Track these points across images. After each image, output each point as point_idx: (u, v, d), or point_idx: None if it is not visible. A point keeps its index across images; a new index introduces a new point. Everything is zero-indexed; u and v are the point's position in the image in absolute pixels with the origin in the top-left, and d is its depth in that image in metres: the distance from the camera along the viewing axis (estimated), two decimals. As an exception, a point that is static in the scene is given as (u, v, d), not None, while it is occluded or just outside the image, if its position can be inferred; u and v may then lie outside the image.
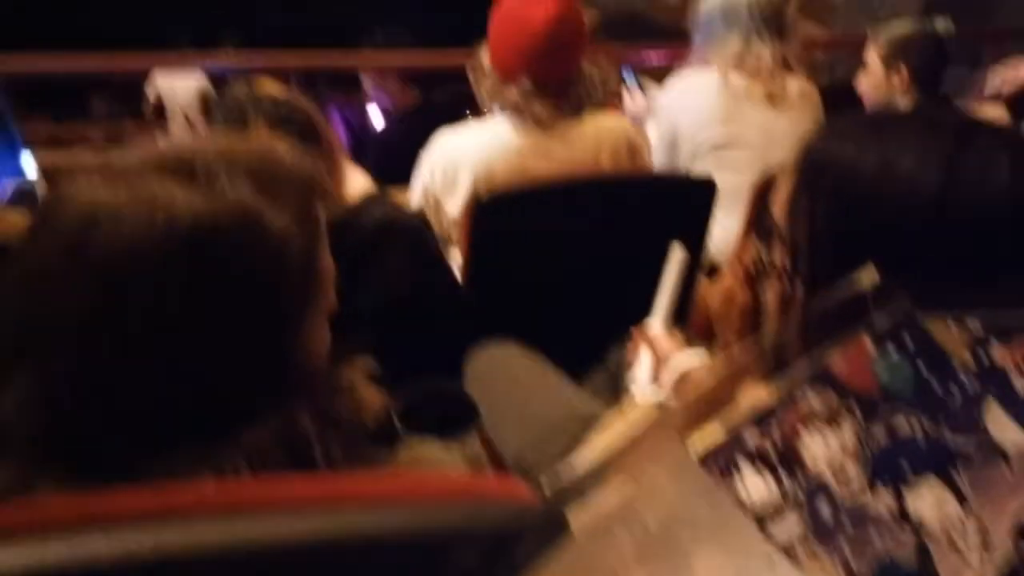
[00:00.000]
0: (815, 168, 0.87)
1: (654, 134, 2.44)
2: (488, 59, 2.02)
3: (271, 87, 1.84)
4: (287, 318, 0.83)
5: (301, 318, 0.85)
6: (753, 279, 0.94)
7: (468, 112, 4.34)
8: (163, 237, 0.75)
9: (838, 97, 3.01)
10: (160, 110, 5.61)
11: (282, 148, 0.91)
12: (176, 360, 0.76)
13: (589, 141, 2.07)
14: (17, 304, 0.77)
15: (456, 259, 2.02)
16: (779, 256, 0.90)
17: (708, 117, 2.34)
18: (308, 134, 1.73)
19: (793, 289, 0.88)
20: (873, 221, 0.82)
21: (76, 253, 0.75)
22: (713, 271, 2.22)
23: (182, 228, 0.75)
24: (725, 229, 2.15)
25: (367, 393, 0.94)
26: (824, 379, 0.69)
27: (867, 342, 0.70)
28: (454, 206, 2.02)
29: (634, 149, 2.17)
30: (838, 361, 0.69)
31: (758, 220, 1.35)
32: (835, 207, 0.84)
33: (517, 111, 1.99)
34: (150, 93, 5.68)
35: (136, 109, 5.88)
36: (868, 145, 0.84)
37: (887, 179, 0.82)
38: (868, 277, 0.75)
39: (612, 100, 2.74)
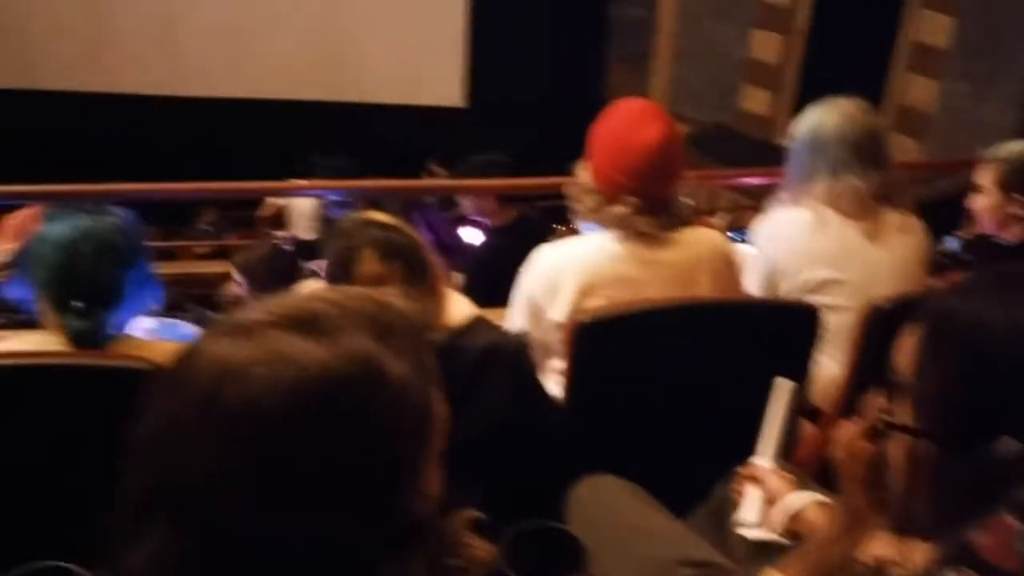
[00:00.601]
0: (942, 324, 0.85)
1: (751, 271, 2.38)
2: (592, 177, 2.06)
3: (378, 214, 1.89)
4: (406, 465, 0.84)
5: (418, 464, 0.86)
6: (878, 431, 0.92)
7: (559, 226, 4.44)
8: (291, 391, 0.76)
9: (940, 213, 2.94)
10: (276, 220, 5.83)
11: (393, 294, 0.93)
12: (300, 512, 0.77)
13: (689, 254, 2.08)
14: (151, 456, 0.79)
15: (557, 368, 2.03)
16: (905, 411, 0.88)
17: (805, 258, 2.28)
18: (415, 263, 1.78)
19: (921, 447, 0.85)
20: (1004, 382, 0.79)
21: (207, 408, 0.77)
22: (815, 413, 2.16)
23: (308, 382, 0.77)
24: (826, 369, 2.11)
25: (476, 544, 0.94)
26: (966, 558, 0.66)
27: (1010, 519, 0.67)
28: (556, 313, 2.04)
29: (732, 264, 2.17)
30: (980, 538, 0.67)
31: (875, 366, 1.33)
32: (964, 366, 0.82)
33: (622, 227, 2.02)
34: (268, 204, 5.92)
35: (243, 219, 6.13)
36: (996, 302, 0.82)
37: (1017, 338, 0.80)
38: (1006, 447, 0.72)
39: (700, 218, 2.77)
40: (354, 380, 0.80)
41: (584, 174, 2.10)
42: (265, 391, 0.76)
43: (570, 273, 2.03)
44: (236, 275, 3.68)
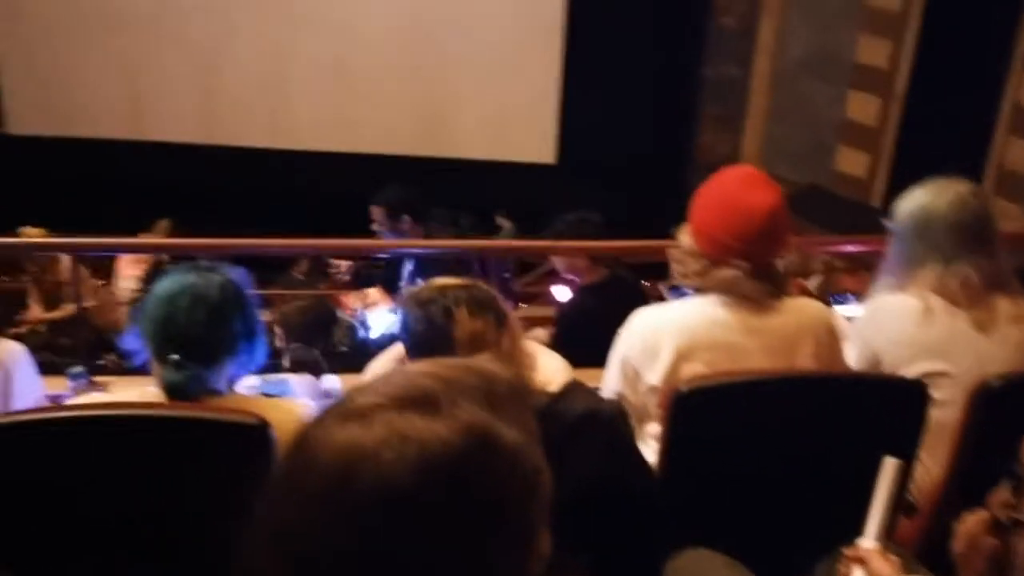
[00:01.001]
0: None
1: (852, 356, 2.31)
2: (697, 241, 2.06)
3: (446, 279, 1.90)
4: (527, 528, 0.85)
5: (534, 530, 0.86)
6: (1002, 526, 0.89)
7: (647, 284, 4.44)
8: (418, 470, 0.77)
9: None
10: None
11: (489, 359, 0.95)
12: None
13: (791, 323, 2.06)
14: (278, 540, 0.80)
15: (653, 433, 2.01)
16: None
17: (910, 349, 2.16)
18: (500, 315, 1.80)
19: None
20: None
21: (338, 494, 0.78)
22: (911, 509, 2.08)
23: (433, 459, 0.78)
24: (926, 466, 2.04)
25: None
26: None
27: None
28: (653, 377, 2.03)
29: (834, 336, 2.13)
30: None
31: (985, 452, 1.28)
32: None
33: (728, 291, 2.02)
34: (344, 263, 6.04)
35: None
36: None
37: None
38: None
39: (794, 280, 2.73)
40: (474, 452, 0.81)
41: (687, 238, 2.10)
42: (395, 473, 0.77)
43: (669, 337, 2.02)
44: (276, 328, 3.75)
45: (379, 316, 4.45)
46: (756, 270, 2.01)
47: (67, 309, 5.26)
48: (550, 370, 1.98)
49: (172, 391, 1.86)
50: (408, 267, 4.51)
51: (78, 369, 2.53)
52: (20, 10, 7.68)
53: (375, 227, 4.55)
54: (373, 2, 7.74)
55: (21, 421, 1.79)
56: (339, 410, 0.84)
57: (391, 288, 4.55)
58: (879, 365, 2.19)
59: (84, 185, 7.30)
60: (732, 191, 2.05)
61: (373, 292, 4.63)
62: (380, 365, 2.10)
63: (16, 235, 5.18)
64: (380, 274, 4.92)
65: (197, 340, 1.86)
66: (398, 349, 2.03)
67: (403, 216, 4.47)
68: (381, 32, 7.78)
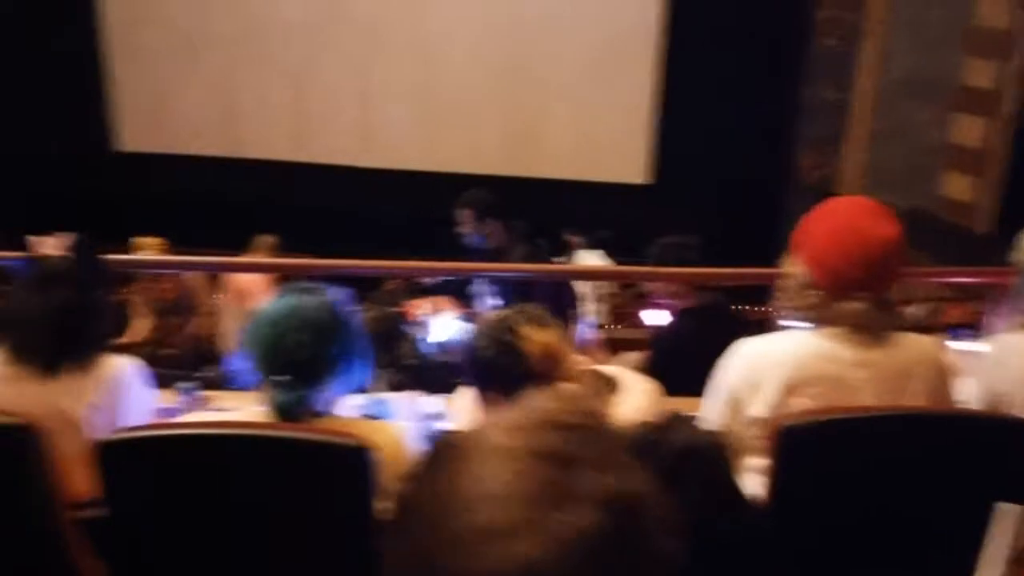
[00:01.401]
0: None
1: (971, 395, 2.23)
2: (813, 273, 2.02)
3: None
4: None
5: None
6: None
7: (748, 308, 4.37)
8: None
9: None
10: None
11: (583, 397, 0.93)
12: None
13: (902, 358, 2.00)
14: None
15: (753, 466, 1.98)
16: None
17: None
18: (561, 332, 1.86)
19: None
20: None
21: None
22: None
23: (580, 551, 0.76)
24: None
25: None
26: None
27: None
28: (757, 409, 1.99)
29: (946, 374, 2.07)
30: None
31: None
32: None
33: (850, 324, 1.97)
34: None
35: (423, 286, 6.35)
36: None
37: None
38: None
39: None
40: (631, 504, 0.79)
41: (798, 268, 2.06)
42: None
43: (775, 369, 1.99)
44: None
45: (444, 322, 4.48)
46: (874, 303, 1.98)
47: (173, 322, 5.44)
48: (635, 394, 1.97)
49: (281, 412, 1.90)
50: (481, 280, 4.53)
51: (188, 384, 2.60)
52: (135, 35, 8.00)
53: (460, 229, 4.54)
54: (461, 23, 7.81)
55: (137, 437, 1.85)
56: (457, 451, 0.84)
57: (461, 297, 4.60)
58: (1002, 407, 2.11)
59: (187, 200, 7.55)
60: (853, 222, 2.00)
61: (443, 300, 4.67)
62: (463, 406, 2.11)
63: (131, 245, 5.39)
64: (452, 283, 4.92)
65: (303, 362, 1.91)
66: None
67: (489, 219, 4.47)
68: (469, 52, 7.86)
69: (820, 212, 2.07)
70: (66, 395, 2.12)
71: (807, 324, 2.04)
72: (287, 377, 1.90)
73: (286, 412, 1.90)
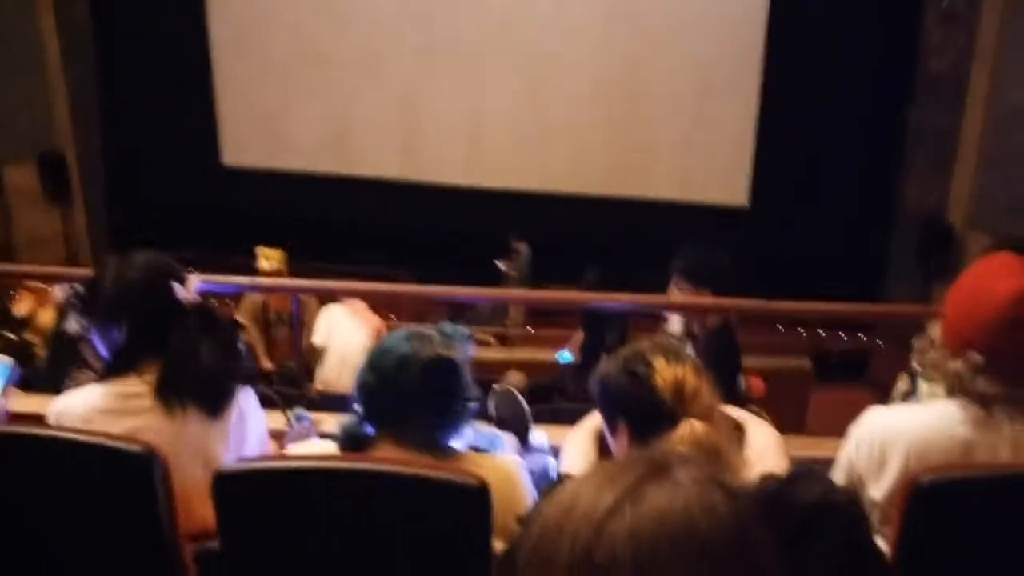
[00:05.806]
0: None
1: None
2: (942, 330, 1.93)
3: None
4: None
5: None
6: None
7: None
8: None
9: None
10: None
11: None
12: None
13: None
14: None
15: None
16: None
17: None
18: (696, 366, 1.79)
19: None
20: None
21: None
22: None
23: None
24: None
25: None
26: None
27: None
28: (878, 491, 1.89)
29: None
30: None
31: None
32: None
33: (959, 387, 1.86)
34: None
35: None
36: None
37: None
38: None
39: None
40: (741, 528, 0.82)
41: (936, 327, 1.95)
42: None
43: (900, 447, 1.86)
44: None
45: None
46: (996, 366, 1.82)
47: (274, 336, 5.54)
48: (761, 444, 1.91)
49: (408, 448, 1.93)
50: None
51: (302, 411, 2.63)
52: (240, 49, 8.18)
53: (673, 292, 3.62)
54: (569, 46, 7.80)
55: (255, 469, 1.87)
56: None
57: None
58: None
59: (294, 216, 7.69)
60: (981, 278, 1.88)
61: (578, 336, 4.91)
62: (577, 440, 2.07)
63: (255, 255, 5.49)
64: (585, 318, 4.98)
65: (417, 403, 1.93)
66: (595, 421, 2.01)
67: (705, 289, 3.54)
68: (575, 70, 7.84)
69: (967, 270, 1.96)
70: (200, 428, 2.12)
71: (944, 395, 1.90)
72: (399, 415, 1.94)
73: (412, 448, 1.93)
